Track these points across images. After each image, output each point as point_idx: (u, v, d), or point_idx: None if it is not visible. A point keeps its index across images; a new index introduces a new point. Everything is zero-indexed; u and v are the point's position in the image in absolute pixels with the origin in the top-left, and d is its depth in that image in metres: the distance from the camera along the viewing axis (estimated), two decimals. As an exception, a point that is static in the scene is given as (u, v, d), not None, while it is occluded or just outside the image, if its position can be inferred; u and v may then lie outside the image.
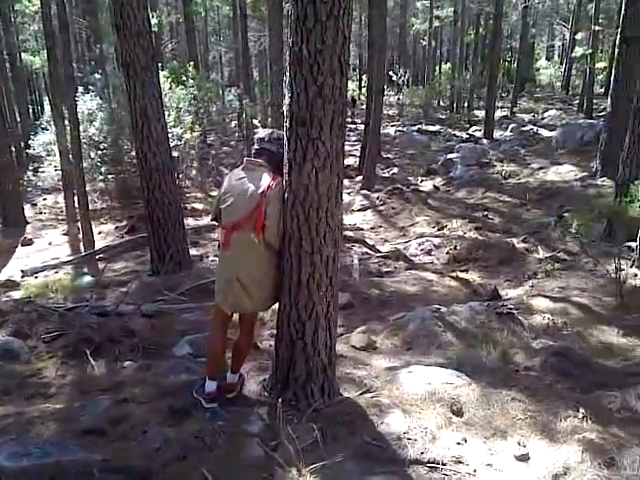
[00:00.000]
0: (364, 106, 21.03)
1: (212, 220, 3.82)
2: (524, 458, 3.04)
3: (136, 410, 3.59)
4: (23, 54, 29.76)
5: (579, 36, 27.36)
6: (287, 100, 3.13)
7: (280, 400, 3.40)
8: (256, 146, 3.49)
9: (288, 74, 3.07)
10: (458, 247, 8.43)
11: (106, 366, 4.42)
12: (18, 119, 22.75)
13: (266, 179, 3.29)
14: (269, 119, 29.28)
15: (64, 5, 10.32)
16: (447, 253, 8.42)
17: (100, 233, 10.60)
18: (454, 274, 7.43)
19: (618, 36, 10.98)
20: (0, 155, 11.73)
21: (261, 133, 3.57)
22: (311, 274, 3.28)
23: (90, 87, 14.29)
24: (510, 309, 5.04)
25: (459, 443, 3.14)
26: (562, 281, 6.66)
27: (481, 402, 3.52)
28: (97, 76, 14.96)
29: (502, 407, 3.49)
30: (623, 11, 10.70)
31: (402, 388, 3.65)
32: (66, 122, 13.80)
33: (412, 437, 3.16)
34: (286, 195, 3.25)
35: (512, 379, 3.97)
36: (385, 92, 20.72)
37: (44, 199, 14.64)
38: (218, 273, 3.61)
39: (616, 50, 11.37)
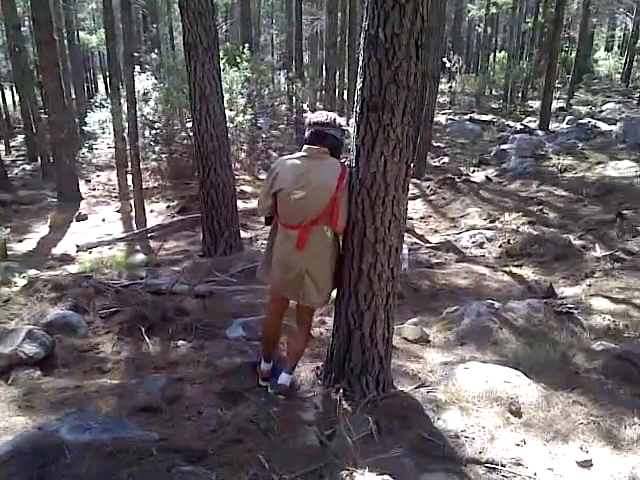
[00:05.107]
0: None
1: (264, 215, 3.50)
2: (587, 464, 2.94)
3: (191, 390, 3.62)
4: (80, 32, 30.42)
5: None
6: (359, 85, 3.05)
7: (334, 389, 3.40)
8: (316, 130, 3.22)
9: (362, 58, 2.99)
10: (512, 241, 8.21)
11: (160, 344, 4.48)
12: (74, 96, 23.27)
13: (337, 168, 3.17)
14: (317, 103, 29.25)
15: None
16: (500, 247, 8.21)
17: (152, 212, 10.76)
18: (507, 269, 7.24)
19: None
20: (59, 130, 11.97)
21: (320, 117, 3.27)
22: (373, 264, 3.22)
23: (146, 66, 14.49)
24: (570, 309, 4.87)
25: (518, 445, 3.06)
26: (622, 281, 6.40)
27: (541, 403, 3.41)
28: (153, 55, 15.13)
29: (563, 410, 3.38)
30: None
31: (459, 384, 3.57)
32: (122, 100, 14.09)
33: (470, 436, 3.10)
34: (352, 182, 3.18)
35: (572, 381, 3.84)
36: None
37: (97, 176, 14.97)
38: (282, 265, 3.31)
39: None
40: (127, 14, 10.87)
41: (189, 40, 6.57)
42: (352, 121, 3.27)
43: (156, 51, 16.06)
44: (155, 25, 20.80)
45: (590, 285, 6.41)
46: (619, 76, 37.08)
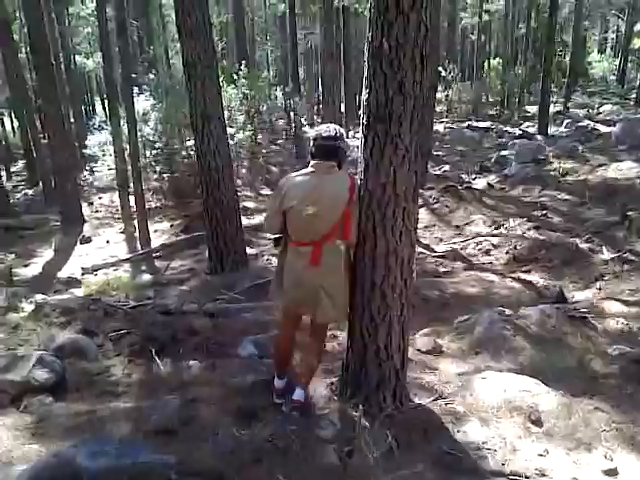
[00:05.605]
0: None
1: (272, 233, 3.44)
2: (612, 473, 2.89)
3: (205, 410, 3.58)
4: (77, 56, 30.57)
5: (639, 26, 26.29)
6: (365, 96, 3.04)
7: (351, 405, 3.35)
8: (326, 145, 3.16)
9: (367, 69, 2.98)
10: (518, 247, 8.18)
11: (172, 365, 4.43)
12: (72, 120, 23.36)
13: (346, 181, 3.14)
14: (314, 117, 29.32)
15: (123, 5, 10.45)
16: (507, 253, 8.18)
17: (156, 231, 10.75)
18: (516, 275, 7.21)
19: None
20: (60, 156, 12.00)
21: (328, 130, 3.23)
22: (386, 276, 3.19)
23: (144, 87, 14.55)
24: (583, 313, 4.83)
25: (541, 455, 3.02)
26: (632, 283, 6.37)
27: (561, 411, 3.37)
28: (151, 76, 15.19)
29: (584, 417, 3.33)
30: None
31: (476, 395, 3.53)
32: (121, 122, 14.13)
33: (491, 447, 3.05)
34: (361, 194, 3.16)
35: (591, 387, 3.79)
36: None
37: (100, 198, 14.97)
38: (296, 283, 3.25)
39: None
40: (123, 37, 10.92)
41: (188, 59, 6.59)
42: (356, 134, 3.24)
43: (153, 72, 16.13)
44: (151, 46, 20.95)
45: (600, 288, 6.38)
46: (614, 78, 37.19)
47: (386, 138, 2.99)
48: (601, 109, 24.15)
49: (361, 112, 3.15)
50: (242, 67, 14.76)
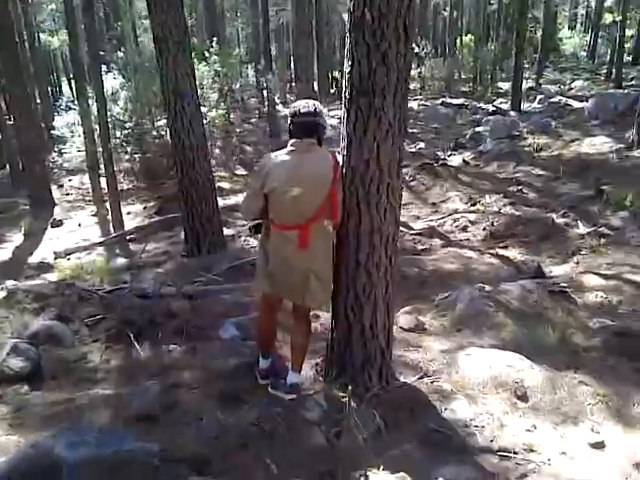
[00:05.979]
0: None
1: (253, 218, 3.29)
2: (599, 446, 2.90)
3: (187, 395, 3.50)
4: (41, 34, 29.70)
5: (609, 1, 26.43)
6: (347, 69, 2.94)
7: (337, 385, 3.31)
8: (305, 121, 3.04)
9: (348, 41, 2.88)
10: (495, 223, 8.19)
11: (151, 349, 4.33)
12: (38, 100, 22.70)
13: (328, 159, 3.03)
14: (287, 95, 28.99)
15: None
16: (484, 229, 8.19)
17: (129, 214, 10.53)
18: (494, 251, 7.22)
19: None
20: (27, 137, 11.64)
21: (307, 106, 3.08)
22: (370, 254, 3.13)
23: (112, 65, 14.17)
24: (563, 287, 4.85)
25: (529, 430, 3.02)
26: (609, 257, 6.43)
27: (546, 386, 3.37)
28: (119, 54, 14.80)
29: (569, 391, 3.34)
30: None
31: (462, 372, 3.51)
32: (89, 102, 13.76)
33: (479, 424, 3.04)
34: (344, 170, 3.07)
35: (574, 361, 3.81)
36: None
37: (70, 180, 14.62)
38: (283, 269, 3.13)
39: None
40: (90, 14, 10.57)
41: (159, 34, 6.38)
42: (330, 111, 3.16)
43: (122, 49, 15.71)
44: (119, 23, 20.40)
45: (578, 263, 6.42)
46: (584, 54, 37.49)
47: (369, 112, 2.91)
48: (573, 85, 24.33)
49: (343, 85, 3.05)
50: (213, 44, 14.43)
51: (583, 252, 6.82)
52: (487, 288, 5.28)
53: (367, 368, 3.29)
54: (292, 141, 3.09)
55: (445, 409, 3.15)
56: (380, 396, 3.24)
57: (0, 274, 7.21)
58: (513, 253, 7.15)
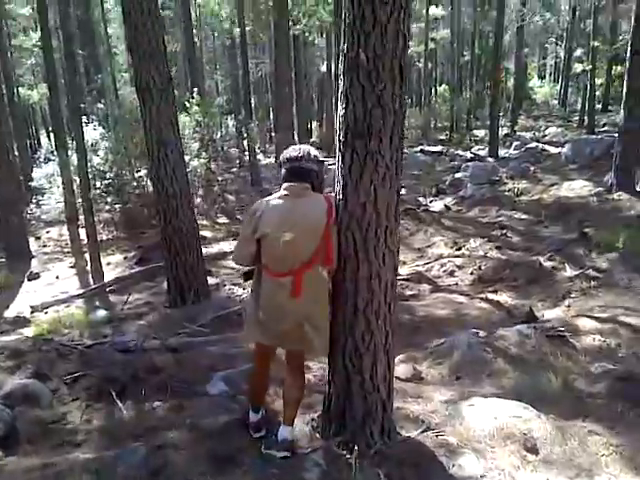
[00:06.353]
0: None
1: (244, 264, 3.16)
2: (619, 500, 2.72)
3: (176, 458, 3.25)
4: (20, 89, 29.75)
5: (578, 52, 27.41)
6: (341, 111, 2.86)
7: (336, 442, 3.11)
8: (292, 167, 2.97)
9: (342, 83, 2.81)
10: (482, 267, 8.14)
11: (134, 408, 4.07)
12: (17, 153, 22.52)
13: (322, 203, 2.91)
14: (266, 145, 29.16)
15: (71, 35, 10.11)
16: (471, 274, 8.12)
17: (109, 264, 10.28)
18: (483, 295, 7.14)
19: (629, 49, 10.87)
20: (5, 188, 11.43)
21: (293, 151, 3.04)
22: (369, 301, 2.98)
23: (92, 117, 14.13)
24: (561, 331, 4.73)
25: (543, 485, 2.83)
26: (600, 300, 6.36)
27: (556, 437, 3.21)
28: (100, 106, 14.81)
29: (580, 442, 3.18)
30: (634, 24, 10.64)
31: (466, 424, 3.33)
32: (69, 152, 13.64)
33: (490, 481, 2.85)
34: (340, 215, 2.96)
35: (581, 409, 3.66)
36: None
37: (47, 232, 14.35)
38: (276, 317, 2.97)
39: (626, 64, 11.24)
40: (71, 67, 10.56)
41: (142, 84, 6.33)
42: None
43: (102, 101, 15.74)
44: (99, 75, 20.53)
45: (569, 306, 6.34)
46: (555, 102, 38.65)
47: (366, 155, 2.81)
48: (547, 131, 24.95)
49: (337, 128, 2.97)
50: (194, 94, 14.52)
51: (573, 295, 6.75)
52: (481, 334, 5.15)
53: (368, 423, 3.10)
54: (285, 185, 2.98)
55: (453, 465, 2.96)
56: (383, 452, 3.04)
57: (-27, 330, 6.91)
58: (503, 297, 7.07)
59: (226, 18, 20.52)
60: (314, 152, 3.08)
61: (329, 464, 3.01)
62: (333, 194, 3.04)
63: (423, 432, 3.29)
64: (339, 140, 2.94)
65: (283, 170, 3.04)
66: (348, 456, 3.03)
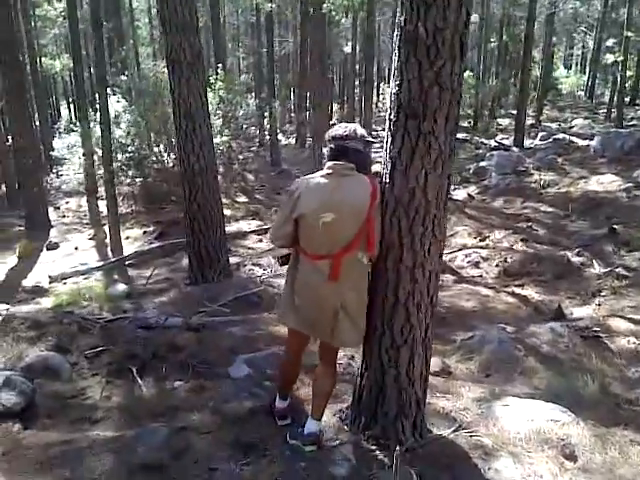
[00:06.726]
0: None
1: (280, 245, 3.01)
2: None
3: (198, 441, 3.16)
4: (43, 58, 29.68)
5: (610, 42, 26.75)
6: (394, 89, 2.67)
7: (366, 437, 2.99)
8: (337, 145, 2.82)
9: (397, 58, 2.63)
10: (509, 260, 7.95)
11: (155, 386, 3.99)
12: (37, 123, 22.49)
13: (366, 185, 2.74)
14: (286, 125, 28.88)
15: (99, 4, 9.94)
16: (497, 266, 7.94)
17: (127, 238, 10.20)
18: (510, 289, 6.96)
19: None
20: (26, 157, 11.35)
21: (339, 130, 2.88)
22: (411, 292, 2.83)
23: (115, 89, 14.00)
24: (596, 332, 4.56)
25: (583, 495, 2.69)
26: (632, 300, 6.17)
27: (595, 444, 3.06)
28: (123, 78, 14.64)
29: (621, 451, 3.02)
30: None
31: (501, 425, 3.20)
32: (91, 124, 13.55)
33: (529, 487, 2.71)
34: (385, 199, 2.79)
35: (619, 416, 3.51)
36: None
37: (67, 202, 14.31)
38: (311, 302, 2.84)
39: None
40: (98, 37, 10.38)
41: (172, 56, 6.16)
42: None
43: (126, 73, 15.57)
44: (123, 47, 20.34)
45: (600, 305, 6.15)
46: (581, 93, 37.90)
47: (418, 136, 2.64)
48: (573, 122, 24.45)
49: (388, 106, 2.79)
50: (219, 70, 14.32)
51: (603, 294, 6.56)
52: (510, 329, 5.00)
53: (400, 419, 2.97)
54: (329, 164, 2.82)
55: (489, 468, 2.82)
56: (415, 450, 2.92)
57: (-8, 297, 6.86)
58: (530, 292, 6.89)
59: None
60: (361, 131, 2.90)
61: (358, 459, 2.89)
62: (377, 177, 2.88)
63: (455, 431, 3.15)
64: (389, 120, 2.76)
65: (327, 148, 2.88)
66: (378, 452, 2.92)
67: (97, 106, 12.34)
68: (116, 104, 13.30)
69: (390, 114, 2.73)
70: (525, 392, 3.82)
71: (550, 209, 11.20)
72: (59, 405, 3.65)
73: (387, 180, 2.78)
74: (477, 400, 3.61)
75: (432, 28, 2.49)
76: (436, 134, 2.62)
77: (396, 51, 2.64)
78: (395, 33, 2.67)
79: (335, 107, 35.38)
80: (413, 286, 2.82)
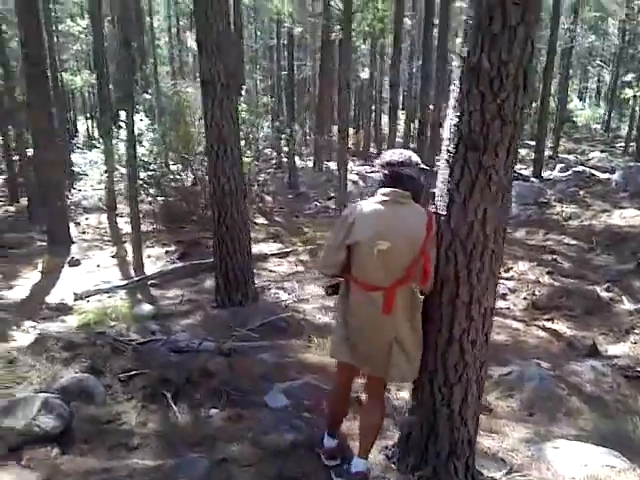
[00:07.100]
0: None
1: (330, 274, 2.92)
2: None
3: (240, 474, 3.09)
4: (63, 74, 30.10)
5: (628, 77, 26.82)
6: (454, 120, 2.63)
7: (416, 478, 2.89)
8: (391, 172, 2.76)
9: (459, 90, 2.59)
10: (537, 293, 7.83)
11: (189, 413, 3.91)
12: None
13: (422, 216, 2.69)
14: (302, 147, 29.01)
15: (128, 22, 10.06)
16: (524, 299, 7.82)
17: (149, 257, 10.17)
18: (540, 323, 6.84)
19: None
20: (50, 170, 11.39)
21: (394, 155, 2.82)
22: (466, 329, 2.76)
23: (137, 107, 14.11)
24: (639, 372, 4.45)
25: None
26: (667, 338, 6.05)
27: (654, 494, 2.94)
28: (146, 96, 14.78)
29: (681, 502, 2.91)
30: None
31: (554, 470, 3.10)
32: (113, 141, 13.65)
33: (589, 538, 2.60)
34: (442, 232, 2.74)
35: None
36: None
37: (86, 218, 14.32)
38: (364, 335, 2.77)
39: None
40: (126, 52, 10.46)
41: (206, 77, 6.17)
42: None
43: (149, 91, 15.73)
44: (146, 65, 20.61)
45: (636, 342, 6.02)
46: (597, 126, 37.90)
47: (478, 169, 2.59)
48: (590, 155, 24.40)
49: (446, 138, 2.75)
50: (242, 92, 14.43)
51: (637, 331, 6.43)
52: (544, 365, 4.89)
53: (453, 459, 2.88)
54: (384, 190, 2.76)
55: (545, 516, 2.72)
56: (467, 494, 2.82)
57: (16, 314, 6.82)
58: (560, 327, 6.77)
59: (288, 16, 20.24)
60: (416, 158, 2.86)
61: (409, 501, 2.80)
62: (432, 208, 2.83)
63: (508, 474, 3.05)
64: (447, 151, 2.72)
65: (381, 174, 2.84)
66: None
67: (119, 123, 12.43)
68: (139, 122, 13.41)
69: (449, 145, 2.69)
70: (572, 434, 3.72)
71: (574, 242, 11.09)
72: (96, 430, 3.57)
73: (444, 212, 2.73)
74: (524, 441, 3.51)
75: (497, 61, 2.45)
76: (496, 167, 2.58)
77: (457, 82, 2.61)
78: (455, 64, 2.64)
79: (351, 132, 35.52)
80: (469, 323, 2.75)
